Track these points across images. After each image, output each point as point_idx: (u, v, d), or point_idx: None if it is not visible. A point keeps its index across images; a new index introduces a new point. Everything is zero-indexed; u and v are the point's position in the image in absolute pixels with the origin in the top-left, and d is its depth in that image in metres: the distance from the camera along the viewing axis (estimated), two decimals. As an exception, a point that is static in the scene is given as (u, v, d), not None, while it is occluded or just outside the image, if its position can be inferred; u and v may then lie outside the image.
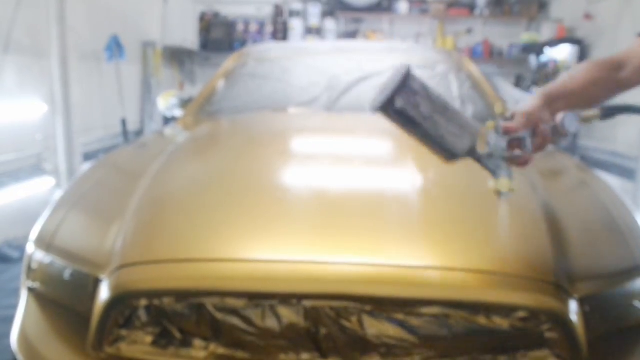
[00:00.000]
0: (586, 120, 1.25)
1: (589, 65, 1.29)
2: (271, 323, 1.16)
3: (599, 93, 1.28)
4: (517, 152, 1.14)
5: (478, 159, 1.15)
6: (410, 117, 1.05)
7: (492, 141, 1.14)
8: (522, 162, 1.17)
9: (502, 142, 1.13)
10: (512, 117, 1.17)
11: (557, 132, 1.17)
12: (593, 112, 1.27)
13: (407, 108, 1.04)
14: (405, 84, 1.03)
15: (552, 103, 1.20)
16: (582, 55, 5.74)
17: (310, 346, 1.15)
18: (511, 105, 2.75)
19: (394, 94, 1.03)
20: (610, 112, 1.27)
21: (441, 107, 1.08)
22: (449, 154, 1.12)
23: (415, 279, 1.14)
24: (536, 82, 6.27)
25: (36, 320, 1.34)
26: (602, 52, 5.61)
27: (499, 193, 1.16)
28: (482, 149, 1.14)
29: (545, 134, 1.17)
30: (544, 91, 1.23)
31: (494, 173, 1.15)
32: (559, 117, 1.18)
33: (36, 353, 1.26)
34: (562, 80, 1.29)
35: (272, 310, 1.16)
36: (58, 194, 1.67)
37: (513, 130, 1.14)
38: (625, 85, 1.28)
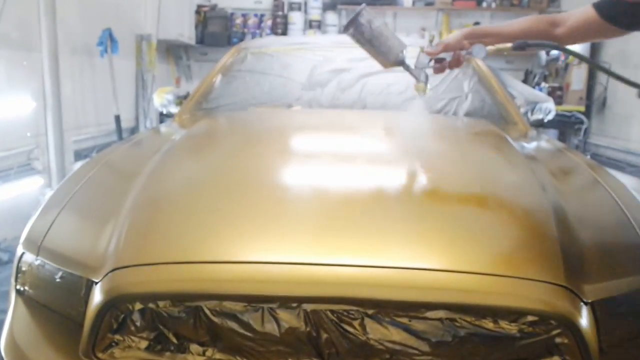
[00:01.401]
0: (497, 52, 1.57)
1: (531, 17, 1.57)
2: (270, 327, 1.16)
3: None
4: (436, 64, 1.58)
5: (406, 67, 1.60)
6: (366, 33, 1.54)
7: (418, 59, 1.60)
8: (439, 70, 1.59)
9: (425, 60, 1.58)
10: (437, 45, 1.56)
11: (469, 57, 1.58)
12: (506, 44, 1.53)
13: (364, 23, 1.53)
14: (361, 13, 1.54)
15: (478, 38, 1.52)
16: (593, 49, 5.74)
17: (311, 351, 1.15)
18: (519, 101, 2.75)
19: (357, 15, 1.53)
20: (522, 45, 1.48)
21: (383, 30, 1.57)
22: (385, 60, 1.59)
23: (420, 281, 1.14)
24: (545, 78, 6.26)
25: (25, 324, 1.34)
26: (614, 45, 5.61)
27: (417, 92, 1.64)
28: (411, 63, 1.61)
29: (459, 57, 1.53)
30: (472, 28, 1.59)
31: (416, 78, 1.61)
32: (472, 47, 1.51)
33: (25, 359, 1.26)
34: (497, 25, 1.60)
35: (272, 314, 1.16)
36: (48, 194, 1.68)
37: (431, 54, 1.56)
38: (558, 40, 1.51)
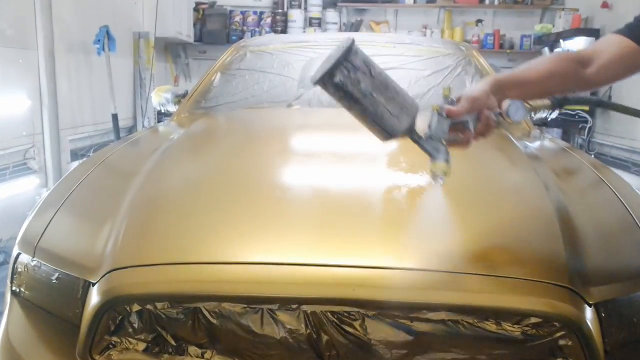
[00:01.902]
0: (535, 110, 1.29)
1: (554, 57, 1.32)
2: (270, 329, 1.16)
3: (557, 86, 1.29)
4: (459, 135, 1.20)
5: (416, 140, 1.19)
6: (349, 93, 1.08)
7: (434, 124, 1.18)
8: (464, 142, 1.23)
9: (444, 125, 1.17)
10: (457, 101, 1.20)
11: (502, 119, 1.23)
12: (545, 102, 1.30)
13: (346, 83, 1.07)
14: (347, 58, 1.07)
15: (502, 90, 1.23)
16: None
17: (311, 353, 1.15)
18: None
19: (334, 68, 1.06)
20: (562, 103, 1.30)
21: (382, 85, 1.11)
22: (385, 133, 1.16)
23: (421, 282, 1.14)
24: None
25: (21, 326, 1.34)
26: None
27: (435, 176, 1.21)
28: (423, 130, 1.20)
29: (489, 120, 1.20)
30: (495, 77, 1.27)
31: (431, 155, 1.20)
32: (505, 104, 1.22)
33: (21, 361, 1.27)
34: (519, 69, 1.32)
35: (271, 315, 1.16)
36: (45, 194, 1.68)
37: (456, 114, 1.18)
38: (588, 82, 1.29)
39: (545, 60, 1.31)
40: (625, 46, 1.23)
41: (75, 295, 1.24)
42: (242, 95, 2.66)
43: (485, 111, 1.20)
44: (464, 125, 1.19)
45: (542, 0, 6.83)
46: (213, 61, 3.11)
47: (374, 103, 1.10)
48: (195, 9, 7.03)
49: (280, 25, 7.02)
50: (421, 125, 1.22)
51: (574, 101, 1.29)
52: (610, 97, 5.67)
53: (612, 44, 1.26)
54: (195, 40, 6.95)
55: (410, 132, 1.17)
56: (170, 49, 7.02)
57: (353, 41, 1.08)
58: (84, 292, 1.23)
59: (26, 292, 1.39)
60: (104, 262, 1.23)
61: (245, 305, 1.16)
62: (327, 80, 1.07)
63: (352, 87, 1.08)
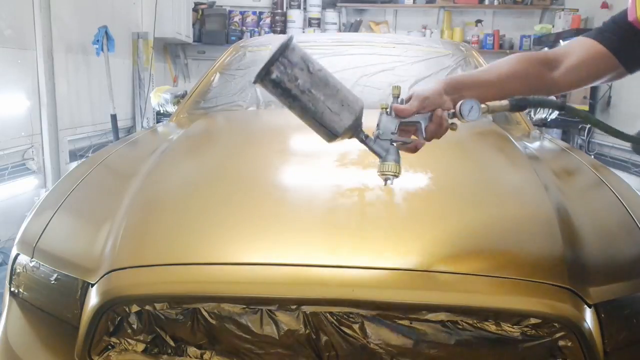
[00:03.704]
0: (493, 112, 1.20)
1: (518, 57, 1.25)
2: (269, 330, 1.16)
3: (519, 88, 1.22)
4: (408, 137, 1.16)
5: (362, 139, 1.15)
6: (287, 89, 1.07)
7: (382, 123, 1.15)
8: (411, 148, 1.17)
9: (392, 125, 1.14)
10: (407, 100, 1.16)
11: (457, 121, 1.17)
12: (502, 103, 1.21)
13: (283, 79, 1.06)
14: (284, 54, 1.05)
15: (459, 91, 1.18)
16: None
17: (310, 354, 1.15)
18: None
19: (269, 64, 1.05)
20: (522, 105, 1.21)
21: (321, 82, 1.09)
22: (329, 133, 1.12)
23: (421, 283, 1.14)
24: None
25: (20, 327, 1.34)
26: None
27: (384, 177, 1.15)
28: (371, 131, 1.16)
29: (441, 120, 1.15)
30: (450, 77, 1.22)
31: (380, 156, 1.15)
32: (459, 103, 1.16)
33: (20, 362, 1.27)
34: (479, 69, 1.27)
35: (270, 316, 1.16)
36: (43, 195, 1.68)
37: (404, 113, 1.14)
38: (554, 85, 1.24)
39: (508, 60, 1.25)
40: (595, 50, 1.20)
41: (74, 296, 1.25)
42: (241, 96, 2.66)
43: (438, 111, 1.14)
44: (415, 126, 1.16)
45: (542, 0, 6.83)
46: (212, 61, 3.11)
47: (314, 100, 1.08)
48: (194, 9, 7.03)
49: (280, 26, 7.02)
50: (371, 125, 1.19)
51: (534, 103, 1.23)
52: (610, 97, 5.68)
53: (581, 47, 1.23)
54: (194, 41, 6.96)
55: (356, 131, 1.14)
56: (169, 49, 7.02)
57: (291, 38, 1.08)
58: (82, 293, 1.23)
59: (25, 293, 1.39)
60: (103, 263, 1.23)
61: (245, 306, 1.16)
62: (264, 76, 1.06)
63: (290, 83, 1.06)
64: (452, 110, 1.16)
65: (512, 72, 1.22)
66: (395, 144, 1.15)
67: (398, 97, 1.16)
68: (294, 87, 1.06)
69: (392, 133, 1.14)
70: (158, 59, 6.48)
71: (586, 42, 1.22)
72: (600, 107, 6.05)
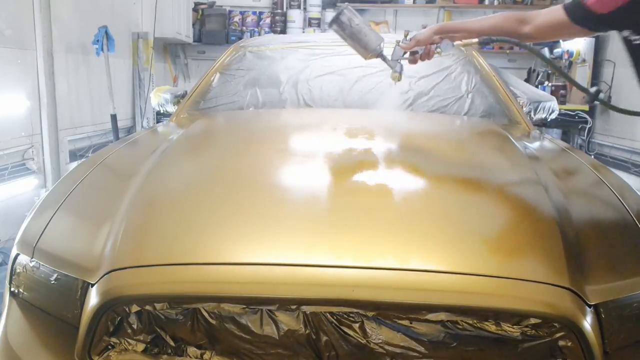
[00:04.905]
0: (464, 46, 1.77)
1: (500, 15, 1.72)
2: (269, 330, 1.16)
3: (497, 36, 1.65)
4: (413, 59, 1.84)
5: (383, 58, 1.89)
6: (348, 26, 1.82)
7: (394, 51, 1.86)
8: (412, 61, 1.84)
9: (399, 53, 1.85)
10: (409, 40, 1.80)
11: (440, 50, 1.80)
12: (472, 40, 1.72)
13: (345, 21, 1.82)
14: (343, 12, 1.83)
15: (448, 34, 1.74)
16: (598, 46, 5.74)
17: (310, 354, 1.15)
18: (522, 100, 2.76)
19: (339, 15, 1.83)
20: (487, 41, 1.66)
21: (363, 24, 1.85)
22: (365, 52, 1.87)
23: (421, 283, 1.14)
24: (548, 77, 6.26)
25: (20, 327, 1.35)
26: (620, 43, 5.60)
27: (392, 79, 1.91)
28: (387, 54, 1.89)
29: (429, 50, 1.77)
30: (442, 24, 1.79)
31: (391, 68, 1.89)
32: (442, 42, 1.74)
33: (20, 363, 1.27)
34: (468, 20, 1.75)
35: (270, 316, 1.16)
36: (43, 195, 1.68)
37: (405, 48, 1.82)
38: (524, 37, 1.63)
39: (492, 16, 1.73)
40: (561, 17, 1.54)
41: (74, 296, 1.25)
42: (241, 96, 2.66)
43: (428, 45, 1.76)
44: (415, 53, 1.83)
45: (542, 0, 6.83)
46: (212, 61, 3.11)
47: (359, 32, 1.83)
48: (195, 9, 7.02)
49: (280, 26, 7.01)
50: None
51: (498, 40, 1.66)
52: (610, 97, 5.68)
53: (551, 12, 1.57)
54: (194, 41, 6.95)
55: (380, 54, 1.87)
56: (169, 49, 7.02)
57: (347, 4, 1.85)
58: (82, 293, 1.23)
59: (25, 293, 1.39)
60: (103, 263, 1.23)
61: (245, 306, 1.16)
62: (337, 19, 1.83)
63: (349, 21, 1.83)
64: (438, 45, 1.76)
65: (492, 24, 1.68)
66: (400, 62, 1.88)
67: (407, 36, 1.81)
68: (350, 25, 1.82)
69: (399, 57, 1.86)
70: (158, 59, 6.48)
71: (557, 10, 1.56)
72: (600, 106, 6.05)
